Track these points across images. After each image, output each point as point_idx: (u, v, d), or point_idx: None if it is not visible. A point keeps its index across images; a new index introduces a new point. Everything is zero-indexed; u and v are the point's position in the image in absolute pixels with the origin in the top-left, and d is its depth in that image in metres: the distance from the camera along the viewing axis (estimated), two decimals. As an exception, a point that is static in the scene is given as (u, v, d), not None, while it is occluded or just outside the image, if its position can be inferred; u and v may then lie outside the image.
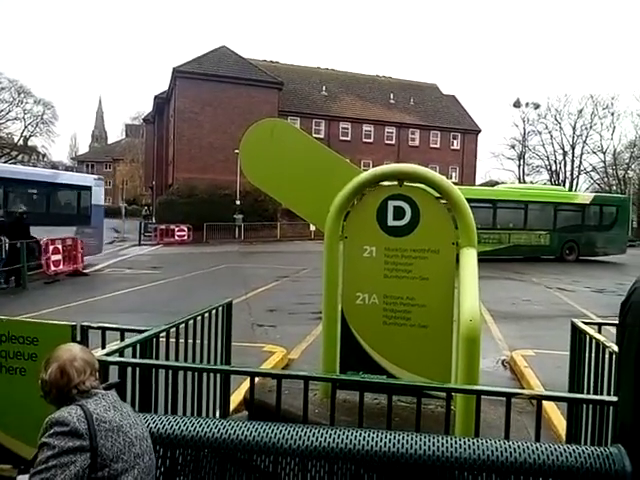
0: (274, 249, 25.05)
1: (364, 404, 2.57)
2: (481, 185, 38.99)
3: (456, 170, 45.02)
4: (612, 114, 50.70)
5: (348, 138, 41.37)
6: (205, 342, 3.94)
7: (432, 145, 44.47)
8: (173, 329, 3.50)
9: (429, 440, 1.92)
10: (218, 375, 3.89)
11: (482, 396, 2.37)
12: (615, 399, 2.11)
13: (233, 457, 2.10)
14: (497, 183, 40.28)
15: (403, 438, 1.95)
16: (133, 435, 1.76)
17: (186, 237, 28.20)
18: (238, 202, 29.86)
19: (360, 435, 1.98)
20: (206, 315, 3.94)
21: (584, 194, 26.62)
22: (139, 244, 26.66)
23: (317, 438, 2.05)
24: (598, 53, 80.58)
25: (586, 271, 18.28)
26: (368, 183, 3.93)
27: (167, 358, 3.38)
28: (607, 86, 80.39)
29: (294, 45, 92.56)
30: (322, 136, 39.78)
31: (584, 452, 1.91)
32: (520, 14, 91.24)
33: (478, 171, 48.16)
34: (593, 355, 3.65)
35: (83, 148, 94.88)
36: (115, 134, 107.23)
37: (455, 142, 45.49)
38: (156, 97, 41.24)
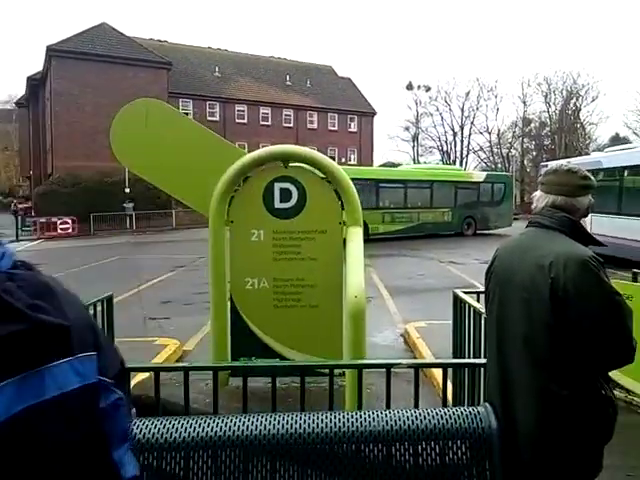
0: (170, 238, 24.11)
1: (257, 388, 2.55)
2: (381, 166, 40.43)
3: (354, 152, 46.11)
4: (496, 96, 55.31)
5: (245, 121, 40.68)
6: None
7: (330, 128, 45.04)
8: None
9: (309, 418, 1.93)
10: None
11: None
12: (484, 361, 2.25)
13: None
14: (394, 164, 41.98)
15: (283, 419, 1.94)
16: None
17: (71, 230, 26.26)
18: (128, 190, 28.18)
19: (240, 421, 1.95)
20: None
21: (478, 173, 28.76)
22: (17, 240, 24.33)
23: (203, 428, 1.99)
24: (482, 37, 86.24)
25: (476, 244, 19.58)
26: (252, 165, 3.86)
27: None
28: (491, 70, 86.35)
29: (181, 23, 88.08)
30: (217, 119, 38.80)
31: (455, 413, 2.02)
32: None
33: (375, 153, 49.74)
34: (472, 322, 3.90)
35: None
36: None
37: (352, 124, 46.45)
38: (29, 78, 37.62)
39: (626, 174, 13.79)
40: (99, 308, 3.94)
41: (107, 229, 27.32)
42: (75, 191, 27.95)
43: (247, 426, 1.93)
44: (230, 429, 1.93)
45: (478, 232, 23.88)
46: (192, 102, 37.89)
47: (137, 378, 4.06)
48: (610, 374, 1.80)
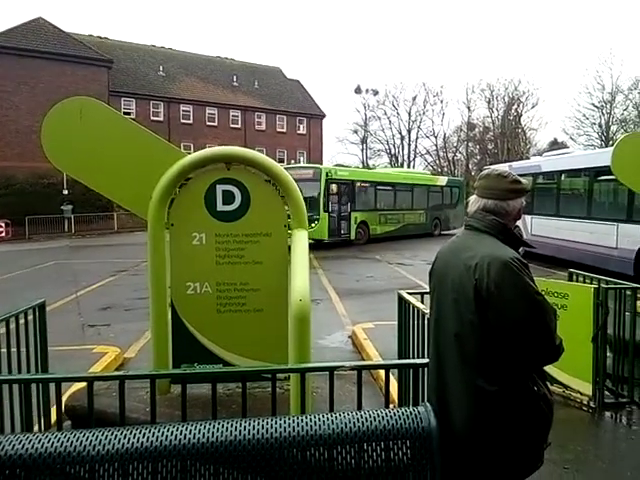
0: (111, 242, 23.27)
1: (201, 395, 2.48)
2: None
3: (304, 154, 46.00)
4: (441, 101, 58.18)
5: (190, 121, 39.84)
6: (13, 350, 3.46)
7: (279, 129, 44.71)
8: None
9: (249, 424, 1.89)
10: (35, 386, 3.47)
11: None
12: (426, 361, 2.29)
13: (45, 472, 1.86)
14: (343, 167, 42.26)
15: (223, 426, 1.89)
16: None
17: (4, 233, 24.83)
18: (66, 192, 26.97)
19: (177, 430, 1.88)
20: (12, 320, 3.45)
21: (441, 177, 30.59)
22: (-57, 245, 22.75)
23: (138, 439, 1.90)
24: (429, 43, 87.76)
25: (425, 245, 19.96)
26: (193, 167, 3.76)
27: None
28: (437, 75, 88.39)
29: (123, 20, 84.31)
30: (161, 119, 37.86)
31: (395, 414, 2.02)
32: (357, 3, 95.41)
33: (325, 155, 49.77)
34: (416, 322, 3.96)
35: None
36: None
37: (301, 127, 46.33)
38: (-44, 72, 35.25)
39: (563, 177, 14.44)
40: (30, 317, 3.72)
41: (44, 233, 26.02)
42: (8, 193, 26.42)
43: (185, 435, 1.86)
44: (167, 438, 1.86)
45: (442, 232, 25.42)
46: (135, 101, 36.81)
47: (73, 388, 3.88)
48: (548, 370, 1.85)
